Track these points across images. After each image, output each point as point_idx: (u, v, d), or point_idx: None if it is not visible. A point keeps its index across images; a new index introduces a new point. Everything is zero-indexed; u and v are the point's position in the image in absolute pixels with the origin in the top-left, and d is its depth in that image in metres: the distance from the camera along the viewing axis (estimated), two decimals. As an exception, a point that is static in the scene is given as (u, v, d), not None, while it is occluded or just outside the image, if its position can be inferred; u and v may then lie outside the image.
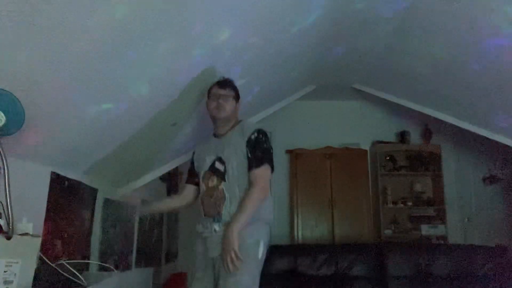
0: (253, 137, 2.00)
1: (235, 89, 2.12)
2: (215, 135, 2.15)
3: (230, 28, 1.90)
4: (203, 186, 2.06)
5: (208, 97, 2.11)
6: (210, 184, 2.01)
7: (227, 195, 1.95)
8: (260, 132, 2.03)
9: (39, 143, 1.58)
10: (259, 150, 1.99)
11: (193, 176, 2.22)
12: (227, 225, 1.88)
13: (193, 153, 2.27)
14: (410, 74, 3.26)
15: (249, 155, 1.97)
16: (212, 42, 1.91)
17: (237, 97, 2.13)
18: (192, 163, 2.24)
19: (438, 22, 2.42)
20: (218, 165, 2.01)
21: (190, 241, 5.17)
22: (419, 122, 4.81)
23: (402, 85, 3.59)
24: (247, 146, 1.98)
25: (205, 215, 2.01)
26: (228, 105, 2.06)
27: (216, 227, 1.94)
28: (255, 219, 1.92)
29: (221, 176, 1.99)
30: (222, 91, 2.07)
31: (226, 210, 1.94)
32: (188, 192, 2.24)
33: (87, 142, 1.86)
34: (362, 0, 2.48)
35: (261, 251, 1.94)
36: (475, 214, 4.71)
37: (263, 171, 1.97)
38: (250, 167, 1.97)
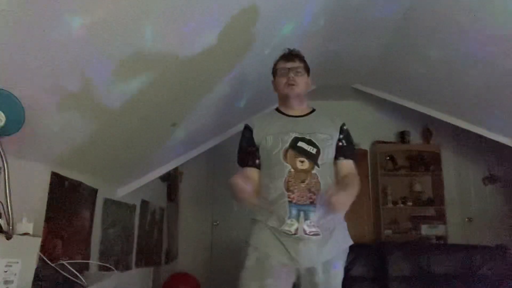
0: (345, 128, 1.91)
1: (304, 60, 1.90)
2: (287, 115, 1.89)
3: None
4: (285, 166, 1.70)
5: (274, 75, 1.92)
6: (300, 166, 1.70)
7: (322, 182, 1.69)
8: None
9: (39, 143, 1.58)
10: (351, 144, 1.90)
11: (254, 157, 1.83)
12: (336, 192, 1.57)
13: (249, 129, 1.88)
14: (410, 74, 3.26)
15: (344, 143, 1.85)
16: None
17: (308, 70, 1.91)
18: (251, 141, 1.84)
19: (437, 23, 2.42)
20: (305, 146, 1.74)
21: (190, 241, 5.18)
22: (419, 122, 4.80)
23: (402, 85, 3.58)
24: (340, 133, 1.86)
25: (291, 202, 1.66)
26: (301, 80, 1.86)
27: (306, 226, 1.64)
28: (345, 224, 1.81)
29: (313, 159, 1.72)
30: (290, 64, 1.86)
31: (320, 201, 1.67)
32: (254, 177, 1.80)
33: (87, 141, 1.86)
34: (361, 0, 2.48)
35: None
36: (475, 214, 4.70)
37: (354, 165, 1.85)
38: (344, 155, 1.83)
